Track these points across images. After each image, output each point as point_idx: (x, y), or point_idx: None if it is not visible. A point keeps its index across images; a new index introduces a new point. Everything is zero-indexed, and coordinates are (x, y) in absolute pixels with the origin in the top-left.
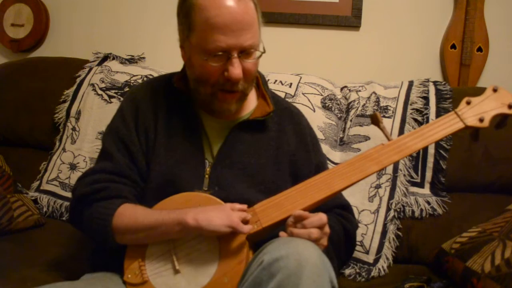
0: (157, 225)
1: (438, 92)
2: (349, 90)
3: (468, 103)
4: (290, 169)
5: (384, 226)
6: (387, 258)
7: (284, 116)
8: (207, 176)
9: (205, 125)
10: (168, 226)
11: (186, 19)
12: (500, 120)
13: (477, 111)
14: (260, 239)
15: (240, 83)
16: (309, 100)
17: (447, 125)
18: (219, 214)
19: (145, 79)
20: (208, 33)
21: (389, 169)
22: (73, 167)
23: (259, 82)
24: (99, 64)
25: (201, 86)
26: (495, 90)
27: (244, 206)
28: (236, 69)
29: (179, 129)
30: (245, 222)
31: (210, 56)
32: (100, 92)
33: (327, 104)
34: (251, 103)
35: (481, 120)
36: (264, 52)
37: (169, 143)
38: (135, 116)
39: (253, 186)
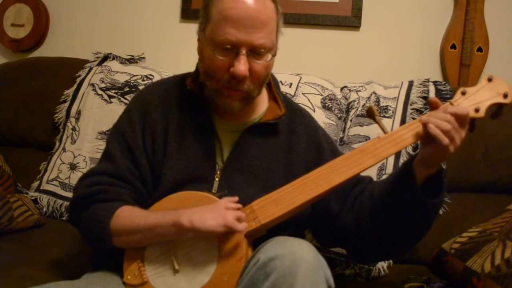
0: (153, 227)
1: (438, 92)
2: (349, 90)
3: (463, 93)
4: (304, 172)
5: None
6: None
7: (295, 117)
8: (217, 179)
9: (216, 128)
10: (164, 227)
11: (204, 11)
12: (496, 110)
13: (472, 101)
14: (260, 236)
15: (246, 83)
16: (309, 100)
17: None
18: (214, 215)
19: (145, 79)
20: (220, 24)
21: (389, 169)
22: (73, 167)
23: (271, 84)
24: (99, 64)
25: (208, 80)
26: (490, 80)
27: (239, 205)
28: (241, 66)
29: (191, 132)
30: (240, 220)
31: (218, 48)
32: (100, 92)
33: (327, 104)
34: (262, 105)
35: (476, 110)
36: (274, 55)
37: (181, 147)
38: (143, 118)
39: (264, 190)
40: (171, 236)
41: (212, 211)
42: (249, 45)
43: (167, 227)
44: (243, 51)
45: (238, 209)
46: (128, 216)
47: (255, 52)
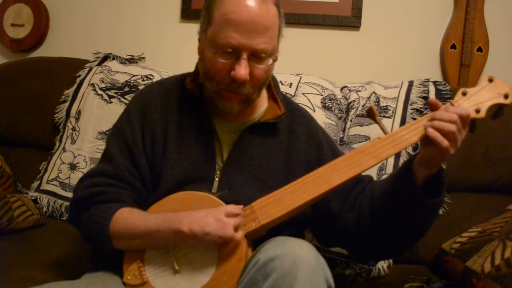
0: (153, 232)
1: (438, 92)
2: (349, 90)
3: (464, 94)
4: (304, 172)
5: None
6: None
7: (295, 117)
8: (217, 179)
9: (216, 128)
10: (164, 233)
11: (206, 12)
12: (497, 111)
13: (473, 102)
14: (260, 236)
15: (246, 87)
16: (309, 100)
17: None
18: (214, 224)
19: (145, 79)
20: (222, 27)
21: (389, 169)
22: (73, 167)
23: (271, 84)
24: (99, 64)
25: (208, 82)
26: (490, 80)
27: (239, 209)
28: (242, 70)
29: (191, 132)
30: (237, 228)
31: (220, 51)
32: (100, 92)
33: (327, 104)
34: (262, 105)
35: (477, 111)
36: (275, 60)
37: (181, 147)
38: (143, 118)
39: (264, 190)
40: (171, 241)
41: (213, 219)
42: (251, 50)
43: (167, 233)
44: (244, 55)
45: (238, 214)
46: (127, 218)
47: (256, 56)
